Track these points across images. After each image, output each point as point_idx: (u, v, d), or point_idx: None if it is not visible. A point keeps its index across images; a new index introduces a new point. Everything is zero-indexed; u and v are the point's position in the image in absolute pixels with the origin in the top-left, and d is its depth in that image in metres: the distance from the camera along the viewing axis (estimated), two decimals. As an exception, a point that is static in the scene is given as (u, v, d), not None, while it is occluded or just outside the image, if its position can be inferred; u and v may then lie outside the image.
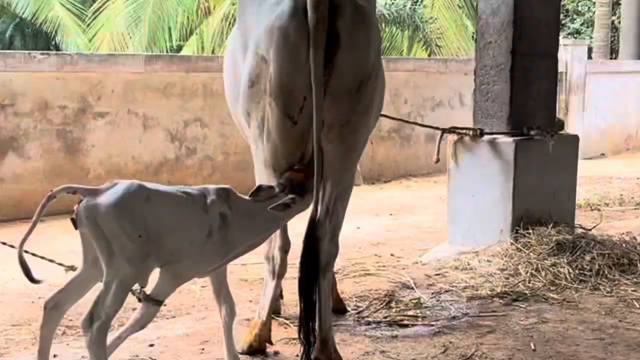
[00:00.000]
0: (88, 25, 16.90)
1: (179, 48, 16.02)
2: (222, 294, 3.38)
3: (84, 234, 2.99)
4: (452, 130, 5.94)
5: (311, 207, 3.36)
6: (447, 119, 10.12)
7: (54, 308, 3.07)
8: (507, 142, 5.78)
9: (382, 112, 4.18)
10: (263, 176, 3.55)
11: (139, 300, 3.12)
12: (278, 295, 4.09)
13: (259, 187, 3.32)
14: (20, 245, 2.94)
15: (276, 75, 3.32)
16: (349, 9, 3.31)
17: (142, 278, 3.07)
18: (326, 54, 3.22)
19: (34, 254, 3.35)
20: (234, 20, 3.93)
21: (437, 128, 6.12)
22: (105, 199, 2.93)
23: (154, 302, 3.12)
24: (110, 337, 3.14)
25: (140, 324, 3.16)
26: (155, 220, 3.02)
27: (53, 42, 18.95)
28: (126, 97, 8.27)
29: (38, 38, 20.26)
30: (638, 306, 4.60)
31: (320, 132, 3.26)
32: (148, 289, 3.13)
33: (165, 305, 3.30)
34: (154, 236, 3.00)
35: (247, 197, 3.30)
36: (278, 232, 3.63)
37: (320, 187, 3.32)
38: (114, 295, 2.92)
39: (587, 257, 5.24)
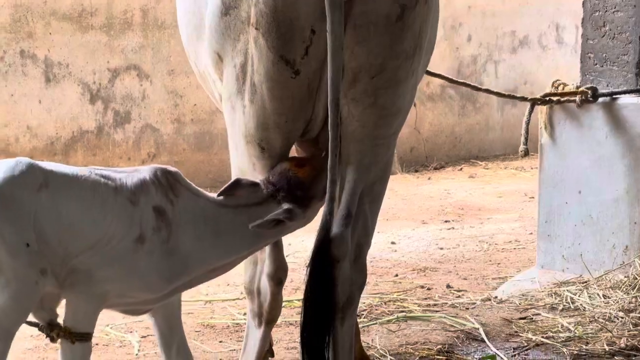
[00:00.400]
0: None
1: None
2: (175, 348, 2.86)
3: None
4: (546, 99, 4.87)
5: (322, 210, 2.82)
6: (536, 65, 9.43)
7: None
8: (636, 105, 4.74)
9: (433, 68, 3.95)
10: (242, 159, 3.06)
11: (52, 339, 2.64)
12: (267, 352, 3.38)
13: (236, 183, 2.83)
14: None
15: None
16: None
17: (39, 311, 2.69)
18: None
19: None
20: None
21: (523, 99, 5.07)
22: None
23: (75, 336, 2.61)
24: None
25: None
26: (54, 221, 2.62)
27: None
28: (17, 29, 6.85)
29: None
30: None
31: (339, 86, 2.73)
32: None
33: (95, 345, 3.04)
34: (54, 244, 2.60)
35: (209, 194, 2.85)
36: (267, 249, 3.03)
37: (337, 175, 2.76)
38: None
39: None
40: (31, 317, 2.73)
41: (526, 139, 4.90)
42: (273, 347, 3.50)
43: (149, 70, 7.31)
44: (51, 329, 2.64)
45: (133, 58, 7.36)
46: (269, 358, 3.51)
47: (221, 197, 2.83)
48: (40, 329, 2.68)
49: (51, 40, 7.08)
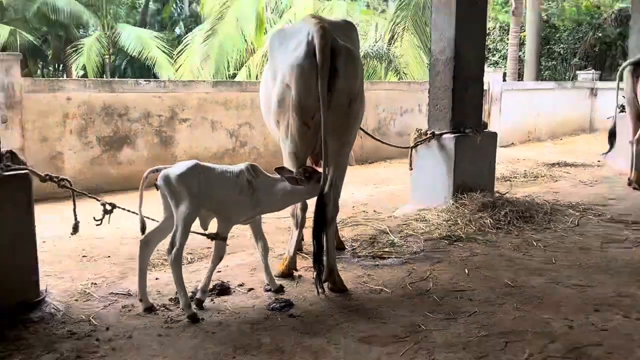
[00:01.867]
0: (174, 60, 17.34)
1: (234, 75, 15.86)
2: (259, 236, 3.36)
3: (163, 195, 3.05)
4: (417, 143, 5.64)
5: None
6: (411, 121, 10.20)
7: (146, 243, 3.17)
8: (450, 137, 5.62)
9: (365, 124, 4.09)
10: (289, 162, 3.46)
11: (212, 239, 3.14)
12: (300, 239, 4.00)
13: (282, 167, 3.27)
14: (139, 208, 3.07)
15: (296, 97, 3.27)
16: (344, 52, 3.26)
17: (202, 222, 3.14)
18: (329, 82, 3.17)
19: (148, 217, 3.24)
20: (267, 59, 3.62)
21: (407, 147, 5.74)
22: (174, 170, 3.01)
23: (220, 238, 3.13)
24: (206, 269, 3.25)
25: (218, 257, 3.19)
26: (206, 184, 3.02)
27: (152, 72, 19.54)
28: (200, 108, 7.99)
29: (142, 69, 20.93)
30: (536, 245, 4.51)
31: (327, 133, 3.17)
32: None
33: (228, 245, 3.26)
34: (204, 194, 3.01)
35: (269, 174, 3.24)
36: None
37: (327, 170, 3.24)
38: (182, 231, 2.96)
39: (502, 212, 5.14)
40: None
41: (410, 163, 5.68)
42: (302, 242, 4.20)
43: (254, 124, 8.38)
44: (211, 235, 3.15)
45: (247, 119, 8.41)
46: (302, 241, 4.14)
47: (277, 175, 3.21)
48: (207, 236, 3.16)
49: (214, 113, 8.08)
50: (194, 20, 23.43)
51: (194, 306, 3.15)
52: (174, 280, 3.07)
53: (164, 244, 3.17)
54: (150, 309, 3.12)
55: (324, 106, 3.10)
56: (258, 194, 3.11)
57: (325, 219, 3.19)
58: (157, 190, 3.05)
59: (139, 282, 3.17)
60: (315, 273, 3.26)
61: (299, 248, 3.94)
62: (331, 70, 3.17)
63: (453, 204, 5.42)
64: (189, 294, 3.18)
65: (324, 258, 3.27)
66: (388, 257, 4.18)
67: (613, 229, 4.96)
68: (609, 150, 6.81)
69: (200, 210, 3.01)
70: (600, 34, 17.63)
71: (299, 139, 3.34)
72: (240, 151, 8.28)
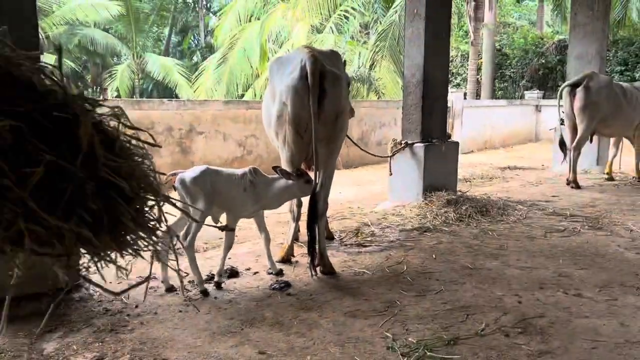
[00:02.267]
0: (193, 83, 17.31)
1: (242, 95, 15.70)
2: (262, 228, 3.32)
3: (180, 195, 2.96)
4: (394, 153, 5.68)
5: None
6: (388, 132, 10.20)
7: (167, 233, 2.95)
8: (420, 146, 5.63)
9: (350, 134, 3.88)
10: (286, 166, 3.41)
11: (222, 230, 3.02)
12: (297, 230, 3.96)
13: (277, 167, 3.19)
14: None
15: (291, 112, 3.25)
16: (330, 76, 3.23)
17: (213, 216, 3.05)
18: (318, 100, 3.15)
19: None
20: (268, 82, 3.48)
21: (386, 156, 5.77)
22: (188, 174, 2.97)
23: (229, 229, 3.08)
24: (218, 256, 3.16)
25: (228, 246, 3.14)
26: (215, 185, 2.97)
27: (174, 93, 19.48)
28: (214, 123, 7.84)
29: (166, 91, 20.85)
30: (491, 234, 4.50)
31: (317, 142, 3.15)
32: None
33: (237, 236, 3.30)
34: (215, 193, 2.96)
35: (268, 175, 3.14)
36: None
37: (318, 173, 3.23)
38: (196, 223, 2.93)
39: (463, 207, 5.11)
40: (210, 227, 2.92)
41: (390, 168, 5.63)
42: (298, 233, 4.06)
43: (258, 135, 8.06)
44: (221, 227, 2.99)
45: (253, 132, 8.15)
46: (298, 232, 4.00)
47: (275, 175, 3.15)
48: (218, 228, 2.97)
49: (225, 126, 7.79)
50: (209, 50, 23.47)
51: (211, 285, 3.13)
52: (188, 262, 3.02)
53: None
54: (171, 289, 3.08)
55: (315, 120, 3.10)
56: (259, 191, 3.08)
57: (317, 214, 3.18)
58: (175, 191, 2.99)
59: (162, 268, 3.09)
60: (309, 258, 3.24)
61: (295, 238, 3.92)
62: (320, 91, 3.16)
63: (423, 201, 5.41)
64: (204, 277, 3.15)
65: (317, 246, 3.24)
66: (369, 245, 4.16)
67: (554, 221, 4.95)
68: (565, 158, 6.79)
69: (212, 206, 2.96)
70: (543, 60, 17.82)
71: (294, 147, 3.33)
72: (247, 158, 8.15)
